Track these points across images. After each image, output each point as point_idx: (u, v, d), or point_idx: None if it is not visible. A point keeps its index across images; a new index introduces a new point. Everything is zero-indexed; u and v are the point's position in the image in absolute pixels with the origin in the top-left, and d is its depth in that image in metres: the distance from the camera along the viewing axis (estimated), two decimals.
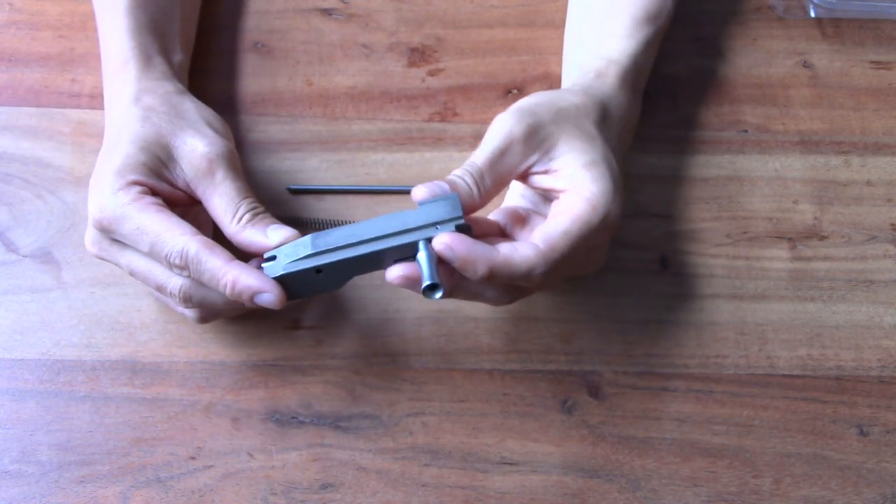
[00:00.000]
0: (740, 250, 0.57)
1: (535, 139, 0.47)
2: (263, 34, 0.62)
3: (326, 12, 0.63)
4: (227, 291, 0.45)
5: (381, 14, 0.63)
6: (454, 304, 0.54)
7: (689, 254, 0.57)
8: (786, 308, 0.56)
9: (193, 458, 0.50)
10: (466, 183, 0.46)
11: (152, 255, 0.46)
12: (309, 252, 0.46)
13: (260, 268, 0.47)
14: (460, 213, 0.45)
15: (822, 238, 0.58)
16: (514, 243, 0.45)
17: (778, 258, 0.57)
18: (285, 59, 0.61)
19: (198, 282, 0.46)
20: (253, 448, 0.51)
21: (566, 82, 0.57)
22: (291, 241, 0.46)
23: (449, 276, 0.45)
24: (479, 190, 0.46)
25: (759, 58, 0.63)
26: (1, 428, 0.51)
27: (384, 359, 0.53)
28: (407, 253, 0.45)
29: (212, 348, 0.53)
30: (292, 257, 0.46)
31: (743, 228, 0.58)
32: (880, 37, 0.64)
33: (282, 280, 0.46)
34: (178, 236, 0.45)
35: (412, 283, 0.44)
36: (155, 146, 0.48)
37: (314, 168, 0.58)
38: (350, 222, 0.55)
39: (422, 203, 0.46)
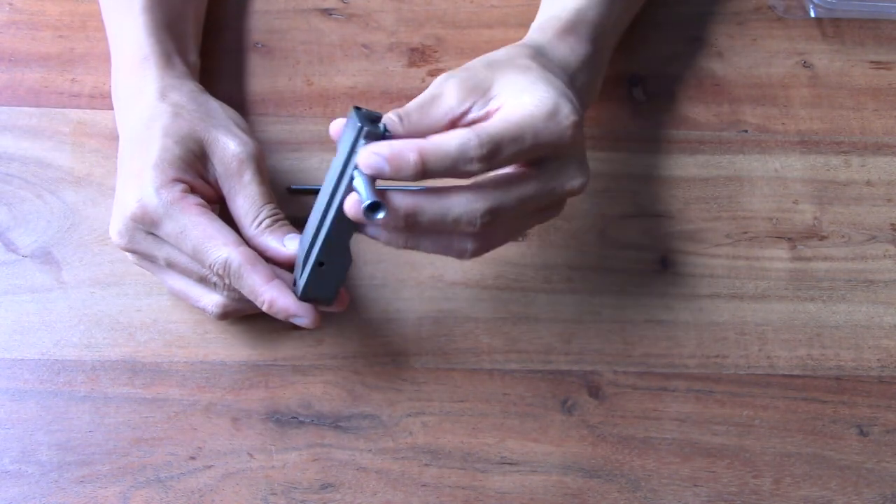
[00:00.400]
0: (740, 250, 0.57)
1: (469, 84, 0.45)
2: (263, 34, 0.62)
3: (326, 12, 0.63)
4: (264, 308, 0.47)
5: (381, 14, 0.63)
6: (454, 303, 0.54)
7: (689, 254, 0.57)
8: (786, 308, 0.56)
9: (193, 458, 0.50)
10: (389, 117, 0.44)
11: (193, 257, 0.47)
12: (304, 255, 0.47)
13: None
14: (362, 125, 0.42)
15: (822, 238, 0.58)
16: None
17: (778, 258, 0.57)
18: (285, 59, 0.61)
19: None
20: (253, 448, 0.51)
21: None
22: None
23: (390, 197, 0.43)
24: (402, 120, 0.44)
25: (759, 58, 0.63)
26: (1, 428, 0.51)
27: (384, 359, 0.53)
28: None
29: (212, 348, 0.53)
30: (300, 269, 0.47)
31: (743, 228, 0.58)
32: (880, 37, 0.64)
33: (307, 296, 0.47)
34: (221, 246, 0.46)
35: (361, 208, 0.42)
36: (189, 141, 0.49)
37: (314, 168, 0.58)
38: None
39: (339, 142, 0.44)
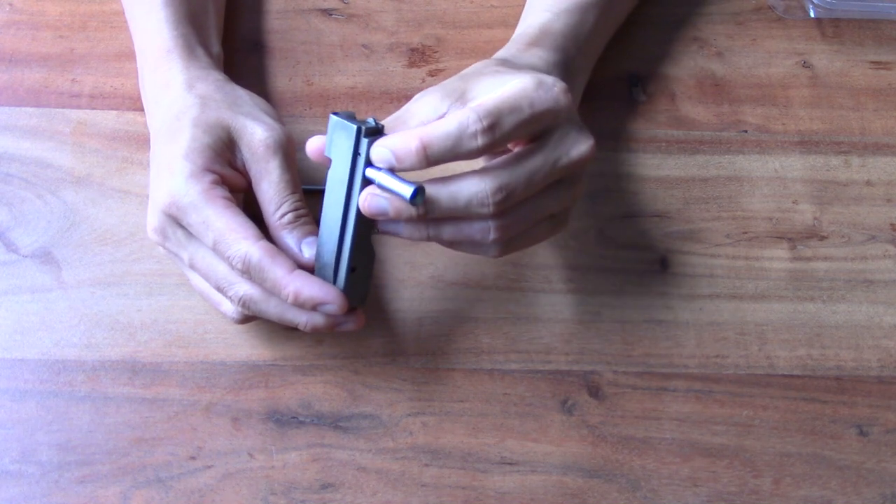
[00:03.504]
0: (740, 250, 0.57)
1: (444, 92, 0.46)
2: (263, 34, 0.62)
3: (326, 12, 0.63)
4: (290, 300, 0.46)
5: (381, 14, 0.63)
6: (454, 303, 0.54)
7: (689, 254, 0.57)
8: (786, 308, 0.56)
9: (193, 458, 0.50)
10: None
11: (215, 251, 0.47)
12: (329, 263, 0.47)
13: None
14: (353, 125, 0.44)
15: (822, 238, 0.58)
16: None
17: (778, 258, 0.57)
18: (285, 59, 0.61)
19: (259, 288, 0.47)
20: (253, 448, 0.51)
21: None
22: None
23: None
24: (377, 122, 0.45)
25: (758, 58, 0.63)
26: (1, 428, 0.51)
27: (384, 359, 0.53)
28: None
29: (212, 348, 0.53)
30: (324, 275, 0.47)
31: (743, 228, 0.58)
32: (880, 37, 0.64)
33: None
34: (241, 240, 0.46)
35: (383, 205, 0.44)
36: (217, 129, 0.49)
37: (314, 168, 0.57)
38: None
39: (329, 151, 0.45)
